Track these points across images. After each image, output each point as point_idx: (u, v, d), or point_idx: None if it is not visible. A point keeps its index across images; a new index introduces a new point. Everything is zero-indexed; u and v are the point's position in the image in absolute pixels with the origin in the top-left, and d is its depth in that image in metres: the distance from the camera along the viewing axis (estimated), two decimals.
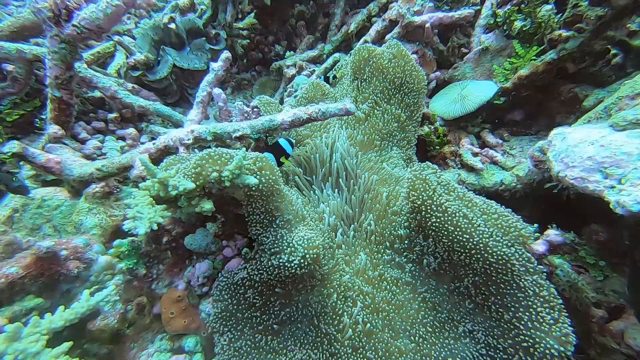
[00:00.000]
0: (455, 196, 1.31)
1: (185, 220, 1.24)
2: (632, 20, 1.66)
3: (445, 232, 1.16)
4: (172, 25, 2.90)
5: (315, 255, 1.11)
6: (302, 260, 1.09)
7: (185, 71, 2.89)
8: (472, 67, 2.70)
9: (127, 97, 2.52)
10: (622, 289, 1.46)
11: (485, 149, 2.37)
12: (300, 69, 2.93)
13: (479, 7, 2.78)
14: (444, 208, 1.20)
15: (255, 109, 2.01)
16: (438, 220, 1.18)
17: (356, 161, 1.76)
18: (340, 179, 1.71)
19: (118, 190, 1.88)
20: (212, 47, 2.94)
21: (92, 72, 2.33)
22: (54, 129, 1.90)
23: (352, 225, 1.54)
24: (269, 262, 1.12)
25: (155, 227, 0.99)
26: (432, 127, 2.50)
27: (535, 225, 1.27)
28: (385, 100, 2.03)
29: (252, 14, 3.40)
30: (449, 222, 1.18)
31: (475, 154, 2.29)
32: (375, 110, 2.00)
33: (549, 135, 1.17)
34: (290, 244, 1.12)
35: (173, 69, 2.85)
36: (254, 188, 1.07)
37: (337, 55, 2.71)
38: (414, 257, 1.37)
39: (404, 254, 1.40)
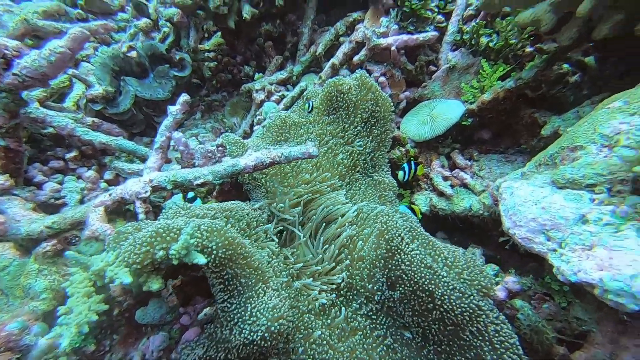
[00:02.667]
0: (419, 243, 1.33)
1: (136, 291, 1.21)
2: (580, 50, 1.72)
3: (412, 283, 1.18)
4: (133, 54, 2.82)
5: (280, 327, 1.10)
6: (265, 334, 1.08)
7: (150, 100, 2.82)
8: (440, 85, 2.74)
9: (86, 134, 2.44)
10: (584, 316, 1.53)
11: (456, 170, 2.42)
12: (270, 94, 2.91)
13: (444, 24, 2.82)
14: (410, 257, 1.22)
15: (220, 148, 1.99)
16: (405, 271, 1.20)
17: (324, 202, 1.76)
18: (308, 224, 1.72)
19: (76, 239, 1.82)
20: (176, 73, 2.87)
21: (44, 111, 2.24)
22: (0, 180, 1.82)
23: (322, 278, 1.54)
24: (230, 335, 1.11)
25: (86, 329, 0.95)
26: (403, 149, 2.53)
27: (496, 268, 1.30)
28: (354, 132, 2.03)
29: (219, 34, 3.35)
30: (416, 273, 1.20)
31: (445, 178, 2.33)
32: (343, 145, 2.01)
33: (500, 187, 1.20)
34: (253, 314, 1.11)
35: (137, 98, 2.77)
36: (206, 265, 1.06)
37: (303, 84, 2.70)
38: (381, 307, 1.39)
39: (372, 303, 1.41)
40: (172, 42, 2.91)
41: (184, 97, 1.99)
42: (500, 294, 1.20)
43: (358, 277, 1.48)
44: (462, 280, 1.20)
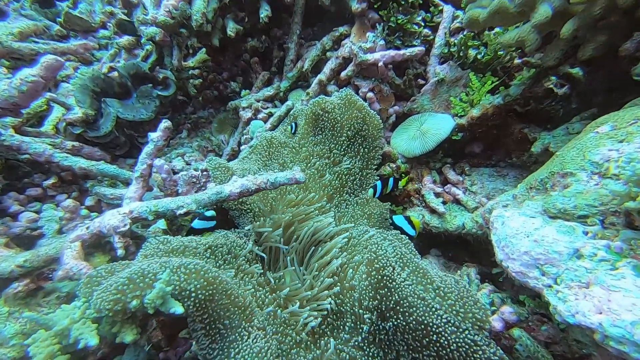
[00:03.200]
0: (410, 271, 1.29)
1: (110, 339, 1.15)
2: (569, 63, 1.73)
3: (406, 316, 1.14)
4: (114, 74, 2.77)
5: None
6: None
7: (133, 121, 2.76)
8: (429, 99, 2.75)
9: (65, 160, 2.38)
10: (583, 338, 1.49)
11: (448, 185, 2.41)
12: (256, 112, 2.88)
13: (431, 37, 2.84)
14: (402, 288, 1.18)
15: (204, 173, 1.94)
16: (397, 302, 1.16)
17: (312, 226, 1.72)
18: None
19: (53, 274, 1.74)
20: (160, 93, 2.83)
21: (19, 138, 2.17)
22: None
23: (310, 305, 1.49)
24: None
25: None
26: (394, 165, 2.51)
27: (491, 296, 1.26)
28: (341, 152, 2.01)
29: (203, 50, 3.32)
30: (408, 305, 1.16)
31: (437, 194, 2.31)
32: (331, 166, 1.98)
33: (491, 215, 1.17)
34: None
35: (119, 120, 2.71)
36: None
37: (289, 102, 2.68)
38: (373, 338, 1.34)
39: (363, 333, 1.36)
40: (154, 60, 2.87)
41: (164, 124, 1.94)
42: (497, 324, 1.16)
43: (348, 306, 1.44)
44: (455, 312, 1.17)
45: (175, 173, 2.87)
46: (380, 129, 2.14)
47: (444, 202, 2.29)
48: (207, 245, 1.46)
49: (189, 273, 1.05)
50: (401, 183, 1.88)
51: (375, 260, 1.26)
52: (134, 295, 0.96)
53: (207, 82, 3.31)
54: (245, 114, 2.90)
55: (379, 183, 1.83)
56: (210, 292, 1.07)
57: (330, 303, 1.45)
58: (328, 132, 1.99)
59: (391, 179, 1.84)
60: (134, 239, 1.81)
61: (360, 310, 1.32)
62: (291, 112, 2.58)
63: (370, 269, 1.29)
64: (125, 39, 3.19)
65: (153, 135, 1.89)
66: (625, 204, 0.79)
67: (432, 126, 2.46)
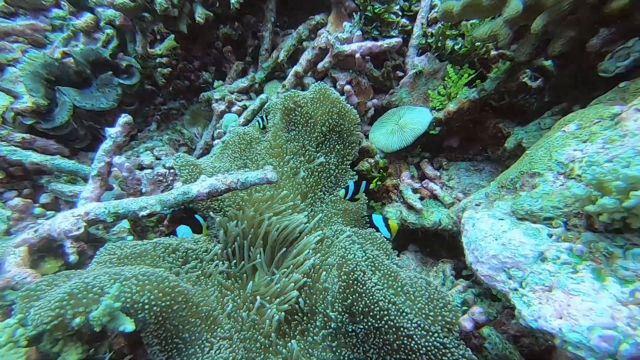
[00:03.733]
0: (381, 275, 1.28)
1: (53, 357, 1.07)
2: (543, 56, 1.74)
3: (376, 319, 1.13)
4: (70, 60, 2.57)
5: None
6: None
7: (93, 111, 2.59)
8: (408, 92, 2.73)
9: (13, 154, 2.20)
10: None
11: (426, 180, 2.42)
12: (230, 104, 2.76)
13: (409, 27, 2.81)
14: (373, 292, 1.16)
15: (172, 171, 1.85)
16: (367, 306, 1.15)
17: (283, 224, 1.67)
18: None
19: None
20: (122, 82, 2.66)
21: None
22: None
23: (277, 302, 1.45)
24: None
25: None
26: (372, 160, 2.50)
27: (462, 296, 1.27)
28: (315, 148, 1.96)
29: (171, 37, 3.14)
30: (379, 310, 1.15)
31: (415, 190, 2.32)
32: (304, 163, 1.93)
33: (462, 217, 1.17)
34: None
35: (77, 109, 2.53)
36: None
37: (263, 95, 2.58)
38: (343, 340, 1.33)
39: (333, 337, 1.35)
40: (116, 46, 2.68)
41: (124, 119, 1.82)
42: (467, 324, 1.18)
43: (321, 308, 1.42)
44: (424, 315, 1.17)
45: (143, 169, 2.73)
46: (356, 124, 2.10)
47: (422, 198, 2.31)
48: (170, 249, 1.38)
49: (142, 284, 0.99)
50: (372, 185, 1.84)
51: (345, 265, 1.24)
52: (77, 312, 0.89)
53: (176, 71, 3.14)
54: (218, 106, 2.78)
55: (351, 184, 1.79)
56: (167, 303, 1.01)
57: (299, 297, 1.42)
58: (302, 128, 1.93)
59: (363, 183, 1.80)
60: (92, 242, 1.70)
61: (332, 313, 1.30)
62: (266, 106, 2.49)
63: (340, 273, 1.26)
64: (82, 21, 2.95)
65: (111, 131, 1.76)
66: (586, 207, 0.80)
67: (410, 120, 2.45)
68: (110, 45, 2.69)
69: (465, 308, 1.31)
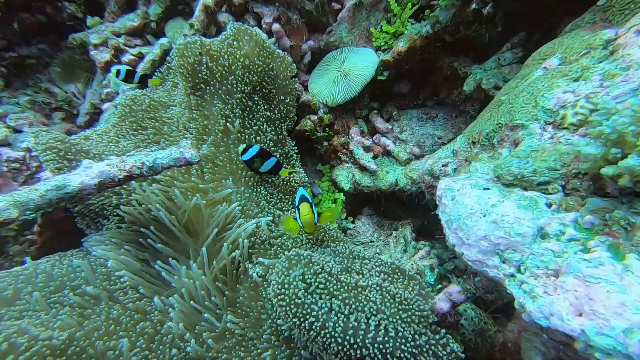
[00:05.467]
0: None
1: None
2: None
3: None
4: None
5: None
6: None
7: None
8: (348, 29, 2.36)
9: None
10: None
11: (377, 135, 2.22)
12: (117, 52, 2.08)
13: None
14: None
15: (33, 159, 1.31)
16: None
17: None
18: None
19: None
20: None
21: None
22: None
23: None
24: None
25: None
26: (315, 118, 2.18)
27: (434, 276, 1.14)
28: (239, 115, 1.54)
29: None
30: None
31: (367, 149, 2.11)
32: (228, 134, 1.52)
33: (438, 189, 0.97)
34: None
35: None
36: None
37: (164, 40, 1.93)
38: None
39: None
40: None
41: None
42: (444, 305, 1.06)
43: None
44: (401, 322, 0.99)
45: None
46: (291, 76, 1.70)
47: (375, 156, 2.11)
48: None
49: None
50: (282, 173, 1.43)
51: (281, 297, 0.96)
52: None
53: None
54: (99, 55, 2.08)
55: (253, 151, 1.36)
56: None
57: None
58: (218, 88, 1.47)
59: (273, 160, 1.37)
60: None
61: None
62: (171, 54, 1.91)
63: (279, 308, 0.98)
64: None
65: None
66: (603, 170, 0.64)
67: (355, 65, 2.13)
68: None
69: (440, 286, 1.19)
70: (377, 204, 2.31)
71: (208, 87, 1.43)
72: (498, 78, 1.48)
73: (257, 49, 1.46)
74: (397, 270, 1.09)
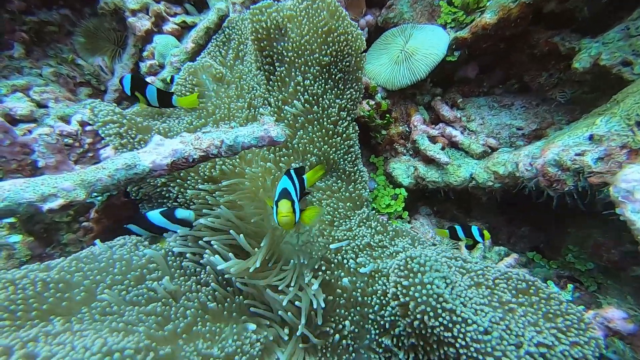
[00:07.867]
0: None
1: None
2: None
3: None
4: None
5: None
6: None
7: None
8: (410, 4, 2.11)
9: None
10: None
11: (440, 125, 1.97)
12: (159, 20, 1.88)
13: None
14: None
15: (87, 135, 1.18)
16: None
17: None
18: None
19: None
20: None
21: None
22: None
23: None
24: None
25: None
26: (373, 103, 1.95)
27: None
28: (318, 93, 1.30)
29: None
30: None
31: (433, 139, 1.86)
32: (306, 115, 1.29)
33: (617, 179, 0.74)
34: None
35: None
36: None
37: (222, 4, 1.66)
38: None
39: None
40: None
41: None
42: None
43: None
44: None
45: (18, 123, 1.76)
46: (362, 52, 1.46)
47: (442, 148, 1.87)
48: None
49: None
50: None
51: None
52: None
53: None
54: (138, 22, 1.87)
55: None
56: None
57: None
58: (296, 57, 1.24)
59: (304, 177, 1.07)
60: None
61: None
62: (226, 23, 1.68)
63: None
64: None
65: None
66: None
67: (422, 43, 1.88)
68: None
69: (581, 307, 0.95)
70: (434, 202, 2.08)
71: (284, 58, 1.20)
72: (626, 52, 1.21)
73: (332, 18, 1.23)
74: (532, 286, 0.87)
